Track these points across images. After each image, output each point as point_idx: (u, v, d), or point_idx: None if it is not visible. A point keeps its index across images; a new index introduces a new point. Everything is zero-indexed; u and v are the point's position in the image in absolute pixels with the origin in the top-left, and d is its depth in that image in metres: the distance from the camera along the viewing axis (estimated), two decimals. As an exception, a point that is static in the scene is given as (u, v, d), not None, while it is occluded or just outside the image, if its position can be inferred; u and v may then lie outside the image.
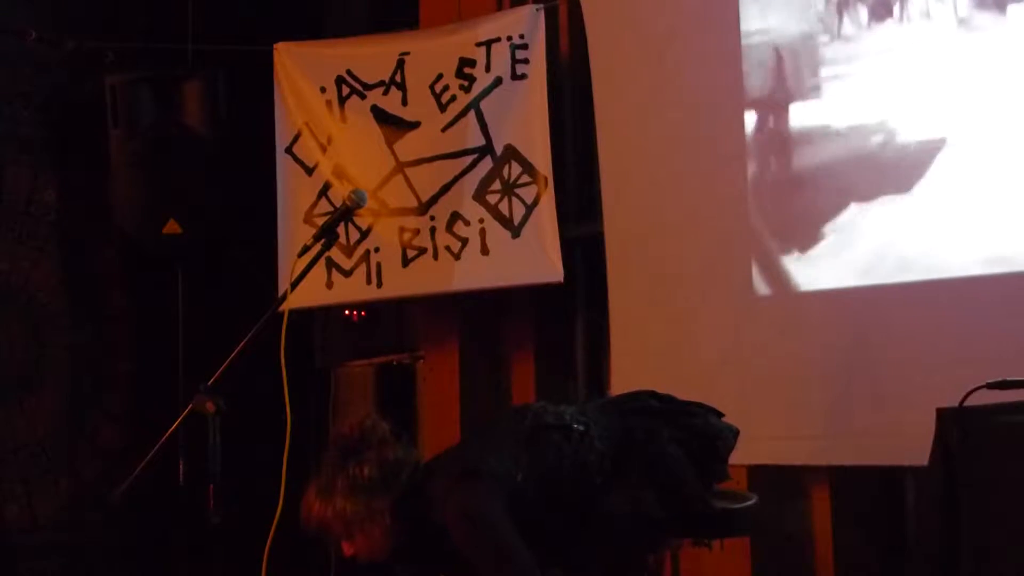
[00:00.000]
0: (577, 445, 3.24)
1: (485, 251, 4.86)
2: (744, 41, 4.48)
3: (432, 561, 3.38)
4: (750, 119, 4.47)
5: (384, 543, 3.28)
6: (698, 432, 3.35)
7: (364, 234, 5.00)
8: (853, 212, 4.23)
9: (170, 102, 5.22)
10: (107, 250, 5.52)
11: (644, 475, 3.23)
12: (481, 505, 3.13)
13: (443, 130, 4.95)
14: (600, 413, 3.39)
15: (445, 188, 4.94)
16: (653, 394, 3.47)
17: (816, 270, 4.35)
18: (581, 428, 3.27)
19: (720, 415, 3.47)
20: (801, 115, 4.40)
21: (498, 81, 4.89)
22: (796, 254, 4.38)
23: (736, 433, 3.42)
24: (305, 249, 3.46)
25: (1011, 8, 3.92)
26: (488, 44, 4.89)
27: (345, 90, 5.07)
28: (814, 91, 4.36)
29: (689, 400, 3.47)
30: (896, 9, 4.16)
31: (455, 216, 4.91)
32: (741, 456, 3.67)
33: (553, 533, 3.23)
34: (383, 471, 3.26)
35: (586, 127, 4.90)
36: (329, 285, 5.00)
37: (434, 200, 4.95)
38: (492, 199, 4.87)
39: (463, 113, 4.92)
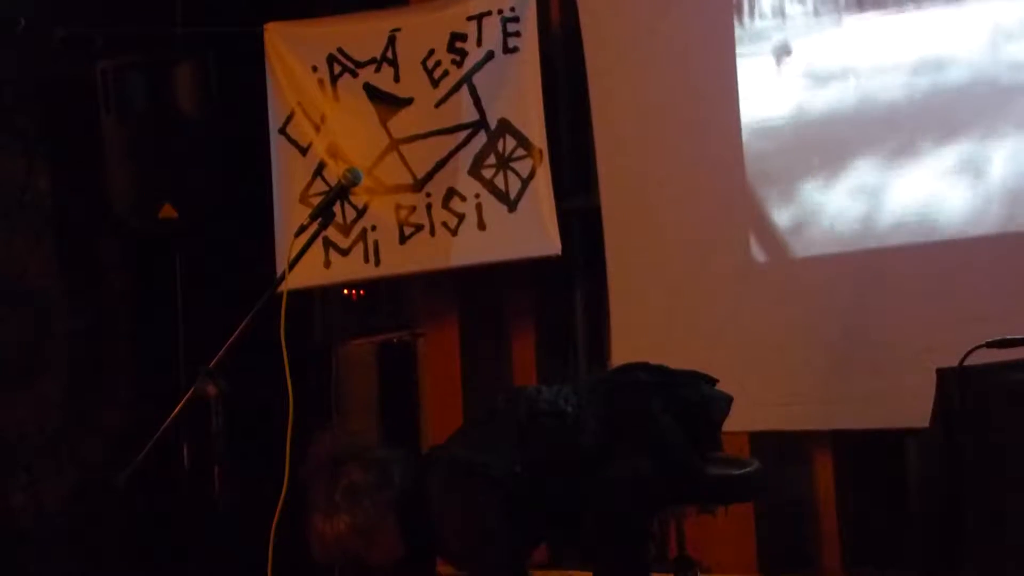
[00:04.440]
0: (571, 428, 3.28)
1: (482, 226, 4.85)
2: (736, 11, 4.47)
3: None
4: (744, 89, 4.47)
5: (403, 542, 3.29)
6: (689, 401, 3.38)
7: (360, 212, 4.99)
8: (850, 174, 4.23)
9: (162, 86, 5.19)
10: (103, 236, 5.50)
11: (639, 445, 3.25)
12: (473, 510, 3.18)
13: (436, 106, 4.93)
14: (592, 390, 3.42)
15: (440, 164, 4.93)
16: (644, 366, 3.49)
17: (813, 235, 4.35)
18: (574, 410, 3.29)
19: (713, 382, 3.49)
20: (794, 81, 4.40)
21: (490, 55, 4.87)
22: (793, 219, 4.38)
23: (729, 400, 3.44)
24: (302, 229, 3.46)
25: None
26: (479, 18, 4.87)
27: (337, 68, 5.05)
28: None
29: (681, 369, 3.49)
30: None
31: (451, 192, 4.90)
32: (743, 423, 3.69)
33: (556, 512, 3.28)
34: (373, 471, 3.28)
35: (580, 99, 4.89)
36: (327, 264, 4.99)
37: (429, 176, 4.94)
38: (487, 174, 4.86)
39: (456, 88, 4.91)
